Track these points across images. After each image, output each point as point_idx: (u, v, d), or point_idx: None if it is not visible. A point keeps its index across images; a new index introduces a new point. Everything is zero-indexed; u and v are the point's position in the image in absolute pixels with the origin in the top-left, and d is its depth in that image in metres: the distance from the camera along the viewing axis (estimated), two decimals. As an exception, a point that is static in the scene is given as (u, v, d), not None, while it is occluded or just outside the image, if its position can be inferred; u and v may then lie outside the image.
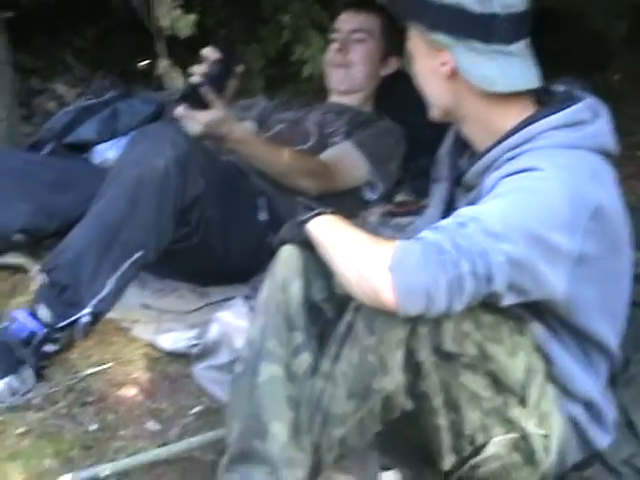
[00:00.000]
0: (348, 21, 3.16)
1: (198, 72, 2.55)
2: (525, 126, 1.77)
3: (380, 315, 1.65)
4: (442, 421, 1.72)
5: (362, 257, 1.65)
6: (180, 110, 2.55)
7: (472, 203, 1.76)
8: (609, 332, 1.84)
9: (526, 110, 1.82)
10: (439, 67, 1.81)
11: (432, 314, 1.61)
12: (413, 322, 1.65)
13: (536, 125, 1.76)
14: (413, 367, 1.69)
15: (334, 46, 3.14)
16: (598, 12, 3.75)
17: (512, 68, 1.79)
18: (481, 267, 1.59)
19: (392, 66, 3.19)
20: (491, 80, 1.78)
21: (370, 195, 2.99)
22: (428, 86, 1.87)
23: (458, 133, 1.96)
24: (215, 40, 2.54)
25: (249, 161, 2.68)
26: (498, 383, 1.72)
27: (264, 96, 3.95)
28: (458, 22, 1.77)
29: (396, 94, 3.23)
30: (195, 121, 2.51)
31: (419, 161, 3.16)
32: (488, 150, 1.80)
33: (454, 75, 1.80)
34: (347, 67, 3.10)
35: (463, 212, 1.68)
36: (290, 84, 4.24)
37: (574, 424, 1.84)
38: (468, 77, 1.79)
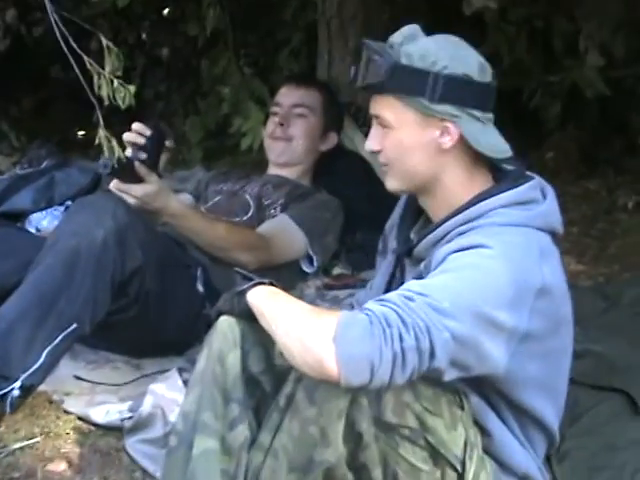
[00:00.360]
0: (289, 95, 3.20)
1: (129, 140, 2.54)
2: (479, 201, 1.79)
3: (321, 386, 1.65)
4: None
5: (305, 328, 1.64)
6: (113, 184, 2.53)
7: (420, 276, 1.77)
8: (548, 409, 1.85)
9: (485, 184, 1.85)
10: (434, 139, 1.80)
11: (374, 386, 1.60)
12: (354, 392, 1.65)
13: (489, 201, 1.78)
14: (354, 437, 1.68)
15: (275, 119, 3.17)
16: (534, 91, 3.86)
17: (499, 135, 1.84)
18: (425, 342, 1.59)
19: (331, 141, 3.24)
20: (495, 147, 1.82)
21: (307, 268, 3.00)
22: (410, 158, 1.84)
23: (408, 205, 1.98)
24: (145, 115, 2.53)
25: (185, 235, 2.67)
26: (437, 456, 1.72)
27: (202, 167, 3.97)
28: (465, 92, 1.79)
29: (334, 168, 3.27)
30: (129, 195, 2.49)
31: (356, 235, 3.19)
32: (440, 223, 1.82)
33: (450, 147, 1.81)
34: (287, 141, 3.14)
35: (411, 286, 1.68)
36: (228, 156, 4.28)
37: (512, 500, 1.84)
38: (476, 145, 1.80)
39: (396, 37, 1.80)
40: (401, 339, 1.57)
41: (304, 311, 1.70)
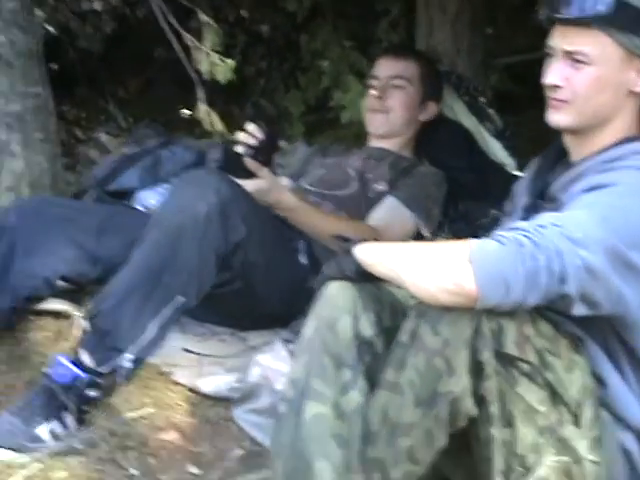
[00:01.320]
0: (386, 67, 3.18)
1: (242, 140, 2.56)
2: (622, 143, 1.80)
3: (445, 316, 1.65)
4: (496, 433, 1.69)
5: (437, 255, 1.67)
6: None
7: (554, 211, 1.77)
8: None
9: (635, 130, 1.86)
10: (630, 80, 1.82)
11: (508, 305, 1.61)
12: (477, 321, 1.65)
13: (633, 145, 1.80)
14: (477, 368, 1.67)
15: (372, 92, 3.15)
16: None
17: None
18: (557, 265, 1.60)
19: (431, 111, 3.20)
20: None
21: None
22: (599, 96, 1.83)
23: (544, 159, 1.98)
24: (258, 117, 2.54)
25: (298, 226, 2.69)
26: (554, 397, 1.70)
27: (303, 141, 3.99)
28: None
29: (436, 139, 3.25)
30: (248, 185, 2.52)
31: (458, 205, 3.17)
32: (581, 161, 1.83)
33: (638, 89, 1.82)
34: (386, 113, 3.11)
35: (544, 217, 1.70)
36: (329, 130, 4.28)
37: (625, 454, 1.81)
38: None
39: None
40: (534, 258, 1.59)
41: (427, 245, 1.75)
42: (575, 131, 1.89)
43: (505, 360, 1.67)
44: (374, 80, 3.17)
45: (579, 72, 1.82)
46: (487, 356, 1.66)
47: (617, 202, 1.69)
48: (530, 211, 1.94)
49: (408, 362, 1.69)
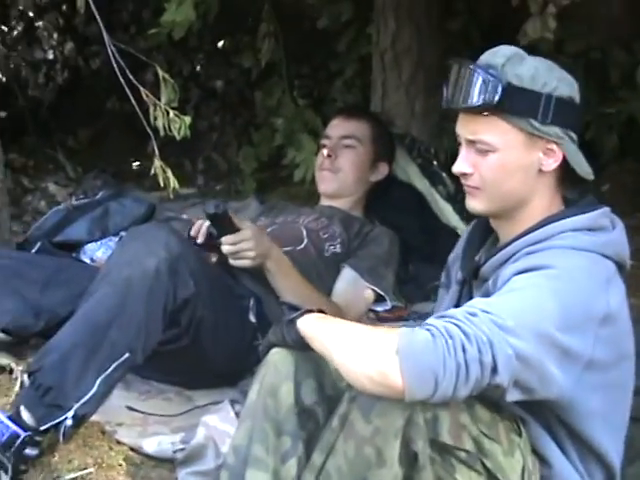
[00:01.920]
0: (338, 127, 3.22)
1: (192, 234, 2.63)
2: (549, 223, 1.78)
3: (377, 404, 1.63)
4: None
5: (367, 342, 1.63)
6: (227, 248, 2.58)
7: (486, 295, 1.75)
8: (610, 444, 1.81)
9: (559, 207, 1.84)
10: (537, 160, 1.79)
11: (437, 399, 1.58)
12: (411, 411, 1.63)
13: (559, 224, 1.78)
14: (409, 458, 1.65)
15: (324, 152, 3.19)
16: (590, 123, 3.82)
17: (583, 157, 1.83)
18: (488, 356, 1.57)
19: (382, 172, 3.23)
20: (588, 169, 1.82)
21: (381, 307, 3.02)
22: (509, 181, 1.81)
23: (473, 233, 1.97)
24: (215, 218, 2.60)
25: (277, 286, 2.68)
26: None
27: (255, 198, 3.98)
28: (568, 114, 1.78)
29: (387, 200, 3.26)
30: (246, 251, 2.57)
31: (409, 267, 3.17)
32: (510, 242, 1.81)
33: (550, 169, 1.80)
34: (336, 172, 3.15)
35: (475, 303, 1.68)
36: (282, 187, 4.28)
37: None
38: (577, 167, 1.80)
39: (496, 58, 1.78)
40: (464, 350, 1.56)
41: (362, 329, 1.70)
42: (494, 215, 1.89)
43: (441, 448, 1.65)
44: (326, 139, 3.21)
45: (485, 159, 1.80)
46: (421, 446, 1.64)
47: (549, 285, 1.66)
48: (462, 289, 1.94)
49: (337, 448, 1.68)
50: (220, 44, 5.02)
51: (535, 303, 1.65)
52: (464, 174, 1.83)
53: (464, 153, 1.83)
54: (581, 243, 1.74)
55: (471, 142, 1.81)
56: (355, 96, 4.44)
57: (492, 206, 1.85)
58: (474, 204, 1.86)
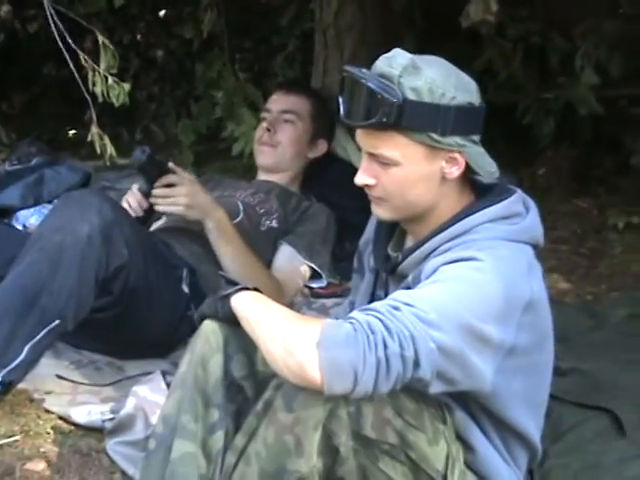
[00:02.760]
0: (278, 101, 3.22)
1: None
2: (464, 217, 1.77)
3: (300, 394, 1.63)
4: None
5: (289, 333, 1.62)
6: (157, 191, 2.60)
7: (408, 288, 1.75)
8: (531, 424, 1.84)
9: (469, 199, 1.83)
10: (440, 169, 1.76)
11: (357, 394, 1.58)
12: (333, 404, 1.63)
13: (475, 217, 1.77)
14: (331, 451, 1.66)
15: (263, 125, 3.19)
16: (528, 108, 3.86)
17: (486, 154, 1.81)
18: (409, 351, 1.57)
19: (320, 149, 3.24)
20: (491, 169, 1.80)
21: (316, 284, 3.05)
22: (412, 191, 1.78)
23: (381, 222, 1.95)
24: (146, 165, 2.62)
25: (218, 252, 2.71)
26: (418, 471, 1.70)
27: (192, 171, 3.96)
28: (469, 120, 1.75)
29: (325, 177, 3.27)
30: (178, 196, 2.58)
31: (344, 244, 3.18)
32: (426, 240, 1.80)
33: (453, 177, 1.77)
34: (274, 146, 3.15)
35: (397, 296, 1.67)
36: (219, 160, 4.26)
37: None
38: (480, 171, 1.78)
39: (391, 69, 1.72)
40: (385, 345, 1.56)
41: (288, 317, 1.69)
42: (402, 221, 1.88)
43: (364, 441, 1.66)
44: (266, 113, 3.22)
45: (386, 172, 1.77)
46: (344, 439, 1.65)
47: (473, 276, 1.67)
48: (377, 279, 1.95)
49: (259, 433, 1.69)
50: (161, 13, 4.97)
51: (458, 295, 1.65)
52: (366, 185, 1.81)
53: (365, 164, 1.80)
54: (500, 233, 1.75)
55: (372, 154, 1.78)
56: (296, 71, 4.44)
57: (398, 214, 1.84)
58: (380, 212, 1.85)
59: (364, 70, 1.77)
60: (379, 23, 3.69)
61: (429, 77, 1.71)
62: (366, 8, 3.65)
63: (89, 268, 2.27)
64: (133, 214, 2.63)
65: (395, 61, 1.73)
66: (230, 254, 2.71)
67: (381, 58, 1.75)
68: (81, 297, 2.26)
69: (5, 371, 2.16)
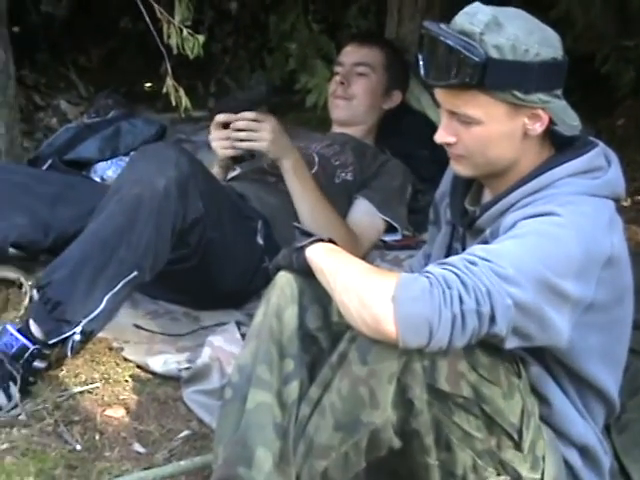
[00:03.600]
0: (351, 54, 3.20)
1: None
2: (545, 171, 1.75)
3: (375, 347, 1.63)
4: (432, 460, 1.69)
5: (364, 286, 1.62)
6: (248, 114, 2.66)
7: (485, 242, 1.74)
8: (609, 379, 1.82)
9: (550, 152, 1.81)
10: (522, 126, 1.73)
11: (432, 348, 1.58)
12: (407, 357, 1.63)
13: (555, 171, 1.74)
14: (405, 404, 1.66)
15: (336, 78, 3.17)
16: (607, 57, 3.78)
17: (570, 108, 1.77)
18: (486, 307, 1.56)
19: (395, 100, 3.21)
20: (574, 123, 1.76)
21: (390, 237, 3.05)
22: (494, 149, 1.76)
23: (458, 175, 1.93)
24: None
25: (292, 193, 2.73)
26: (492, 424, 1.70)
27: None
28: (553, 76, 1.72)
29: (400, 128, 3.25)
30: (263, 126, 2.64)
31: (418, 196, 3.17)
32: (506, 194, 1.78)
33: (536, 133, 1.75)
34: (349, 100, 3.13)
35: (475, 250, 1.66)
36: (293, 112, 4.25)
37: (569, 469, 1.81)
38: (563, 126, 1.75)
39: (473, 26, 1.68)
40: (461, 301, 1.55)
41: (364, 269, 1.69)
42: (482, 177, 1.85)
43: (439, 394, 1.66)
44: (339, 66, 3.20)
45: (468, 130, 1.74)
46: (417, 392, 1.64)
47: (553, 231, 1.65)
48: (454, 231, 1.93)
49: (334, 384, 1.69)
50: (236, -34, 4.95)
51: (537, 250, 1.63)
52: (447, 144, 1.79)
53: (446, 122, 1.77)
54: (581, 188, 1.72)
55: (453, 113, 1.75)
56: (370, 22, 4.39)
57: (479, 171, 1.82)
58: (460, 169, 1.83)
59: (443, 26, 1.72)
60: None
61: (512, 34, 1.68)
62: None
63: (166, 221, 2.29)
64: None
65: (476, 17, 1.69)
66: (306, 199, 2.73)
67: (461, 14, 1.72)
68: (158, 249, 2.29)
69: (86, 321, 2.20)
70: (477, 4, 1.74)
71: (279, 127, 2.71)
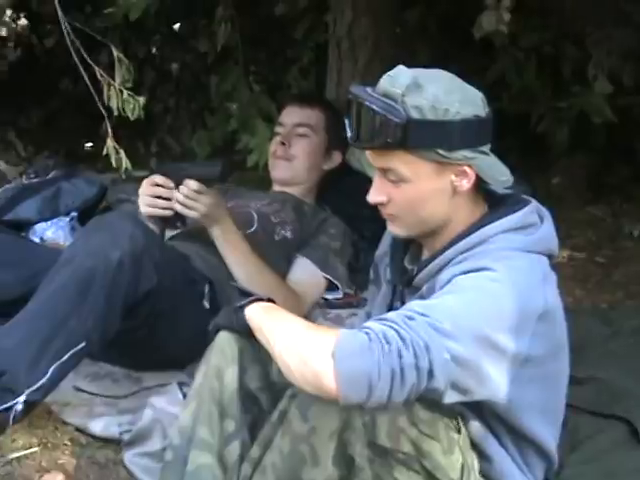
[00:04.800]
0: (292, 115, 3.21)
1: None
2: (479, 228, 1.78)
3: (315, 403, 1.64)
4: None
5: (305, 342, 1.63)
6: (192, 184, 2.62)
7: (422, 298, 1.76)
8: (547, 433, 1.84)
9: (483, 210, 1.84)
10: (450, 183, 1.76)
11: (372, 404, 1.59)
12: (348, 413, 1.64)
13: (489, 228, 1.77)
14: (346, 460, 1.67)
15: (277, 139, 3.18)
16: (542, 117, 3.87)
17: (500, 162, 1.81)
18: (424, 361, 1.58)
19: (335, 160, 3.24)
20: (503, 177, 1.80)
21: (332, 295, 3.05)
22: (424, 207, 1.79)
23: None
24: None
25: (227, 260, 2.71)
26: None
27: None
28: (476, 133, 1.75)
29: (340, 188, 3.27)
30: (202, 199, 2.61)
31: (359, 255, 3.19)
32: (441, 252, 1.80)
33: (464, 189, 1.77)
34: (289, 160, 3.14)
35: (412, 306, 1.68)
36: (235, 172, 4.27)
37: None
38: (491, 182, 1.78)
39: (395, 87, 1.72)
40: (400, 355, 1.56)
41: (303, 327, 1.70)
42: (417, 237, 1.88)
43: (379, 450, 1.66)
44: (280, 127, 3.21)
45: (398, 189, 1.78)
46: (359, 449, 1.65)
47: (488, 287, 1.67)
48: (394, 290, 1.94)
49: (275, 443, 1.70)
50: (176, 27, 5.00)
51: (472, 305, 1.65)
52: (379, 203, 1.82)
53: (377, 183, 1.81)
54: (516, 244, 1.76)
55: (384, 171, 1.79)
56: (311, 83, 4.45)
57: (413, 231, 1.85)
58: (395, 229, 1.86)
59: (369, 90, 1.77)
60: (393, 34, 3.70)
61: (431, 94, 1.71)
62: (379, 20, 3.66)
63: (118, 293, 2.27)
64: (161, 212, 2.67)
65: (397, 80, 1.73)
66: (240, 264, 2.71)
67: (385, 77, 1.76)
68: (108, 321, 2.27)
69: (29, 391, 2.16)
70: (400, 67, 1.78)
71: (218, 201, 2.69)
